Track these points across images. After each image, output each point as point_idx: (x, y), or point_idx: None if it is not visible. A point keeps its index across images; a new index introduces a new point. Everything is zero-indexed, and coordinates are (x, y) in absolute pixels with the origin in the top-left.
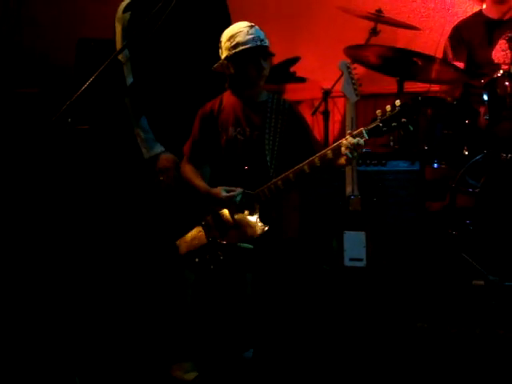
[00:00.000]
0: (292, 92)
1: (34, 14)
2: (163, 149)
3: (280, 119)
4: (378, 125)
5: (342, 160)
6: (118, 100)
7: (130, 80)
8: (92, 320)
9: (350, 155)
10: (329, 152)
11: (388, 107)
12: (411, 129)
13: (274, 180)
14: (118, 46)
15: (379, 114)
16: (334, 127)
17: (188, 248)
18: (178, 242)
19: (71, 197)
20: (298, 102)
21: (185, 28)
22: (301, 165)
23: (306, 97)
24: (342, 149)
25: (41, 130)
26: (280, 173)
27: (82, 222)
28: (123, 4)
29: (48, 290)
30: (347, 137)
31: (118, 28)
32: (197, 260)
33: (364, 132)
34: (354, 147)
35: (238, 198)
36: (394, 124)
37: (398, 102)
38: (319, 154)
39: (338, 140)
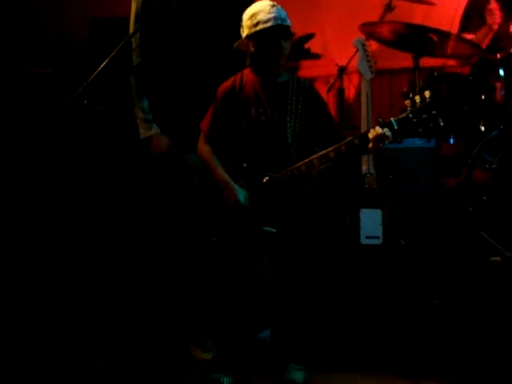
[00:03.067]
0: (307, 68)
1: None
2: (159, 131)
3: (301, 100)
4: (408, 115)
5: (369, 147)
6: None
7: (137, 60)
8: (112, 303)
9: (377, 144)
10: (356, 140)
11: (417, 98)
12: (441, 122)
13: (298, 164)
14: (131, 25)
15: (408, 105)
16: (349, 103)
17: None
18: None
19: (83, 183)
20: (313, 79)
21: (200, 12)
22: (326, 151)
23: (321, 73)
24: (370, 136)
25: (57, 112)
26: (301, 154)
27: (98, 209)
28: None
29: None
30: (376, 127)
31: (133, 7)
32: (214, 239)
33: (393, 122)
34: (381, 137)
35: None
36: (424, 116)
37: (427, 93)
38: (346, 140)
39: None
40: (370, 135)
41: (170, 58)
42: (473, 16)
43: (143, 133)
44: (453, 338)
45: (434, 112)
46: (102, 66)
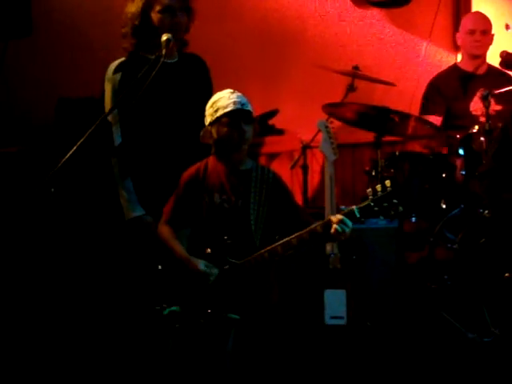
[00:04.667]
0: (270, 144)
1: (13, 74)
2: (144, 212)
3: (264, 189)
4: (370, 204)
5: (331, 235)
6: (105, 160)
7: (118, 140)
8: None
9: (340, 231)
10: (318, 227)
11: (378, 187)
12: (401, 210)
13: (261, 251)
14: (108, 105)
15: (370, 194)
16: (313, 178)
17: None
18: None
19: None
20: (277, 154)
21: (171, 92)
22: (289, 238)
23: (285, 148)
24: (334, 226)
25: (23, 197)
26: (265, 242)
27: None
28: (114, 64)
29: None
30: (337, 215)
31: (108, 88)
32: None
33: (356, 211)
34: (345, 225)
35: (212, 279)
36: (385, 204)
37: (388, 183)
38: (309, 228)
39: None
40: (333, 223)
41: (150, 135)
42: (435, 97)
43: (127, 214)
44: None
45: (395, 201)
46: (72, 150)
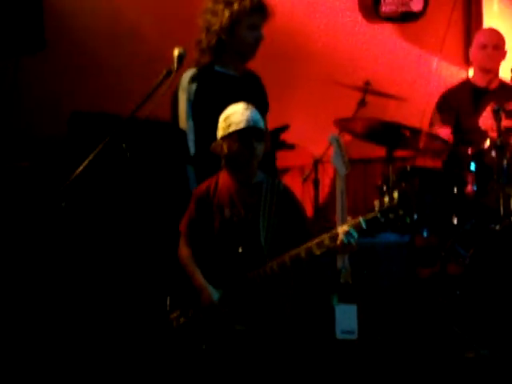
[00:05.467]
0: (282, 159)
1: (25, 89)
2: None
3: (275, 201)
4: (377, 216)
5: (338, 247)
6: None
7: (192, 150)
8: None
9: (345, 242)
10: (326, 239)
11: (386, 199)
12: (408, 221)
13: (270, 263)
14: (182, 113)
15: (377, 205)
16: (324, 192)
17: (179, 323)
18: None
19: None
20: (288, 169)
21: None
22: (297, 250)
23: (296, 163)
24: (340, 237)
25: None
26: (274, 254)
27: None
28: (187, 75)
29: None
30: (344, 226)
31: (183, 97)
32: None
33: (362, 222)
34: (351, 237)
35: (222, 312)
36: (391, 216)
37: (395, 194)
38: (316, 240)
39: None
40: (340, 234)
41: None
42: (444, 110)
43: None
44: None
45: (401, 212)
46: (86, 161)
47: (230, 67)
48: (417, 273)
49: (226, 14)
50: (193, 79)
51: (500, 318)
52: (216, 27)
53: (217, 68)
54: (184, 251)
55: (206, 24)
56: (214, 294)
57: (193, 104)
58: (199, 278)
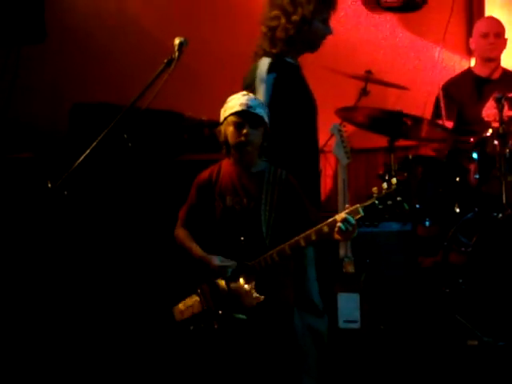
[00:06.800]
0: None
1: (26, 80)
2: None
3: (276, 190)
4: (374, 202)
5: (337, 233)
6: None
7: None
8: None
9: (343, 229)
10: (325, 227)
11: (384, 185)
12: (406, 207)
13: (270, 252)
14: None
15: (375, 192)
16: (327, 182)
17: (182, 316)
18: (173, 309)
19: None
20: None
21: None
22: (296, 238)
23: None
24: (338, 224)
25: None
26: (276, 243)
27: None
28: (264, 64)
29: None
30: (342, 213)
31: (262, 87)
32: (191, 328)
33: (360, 209)
34: (348, 223)
35: (229, 272)
36: (389, 202)
37: (394, 180)
38: (315, 228)
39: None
40: (338, 222)
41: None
42: (446, 102)
43: None
44: None
45: (399, 198)
46: (87, 151)
47: (296, 58)
48: (419, 262)
49: (311, 5)
50: (270, 69)
51: (502, 307)
52: (297, 18)
53: (287, 59)
54: (180, 231)
55: (283, 13)
56: (216, 258)
57: (272, 94)
58: (198, 249)
